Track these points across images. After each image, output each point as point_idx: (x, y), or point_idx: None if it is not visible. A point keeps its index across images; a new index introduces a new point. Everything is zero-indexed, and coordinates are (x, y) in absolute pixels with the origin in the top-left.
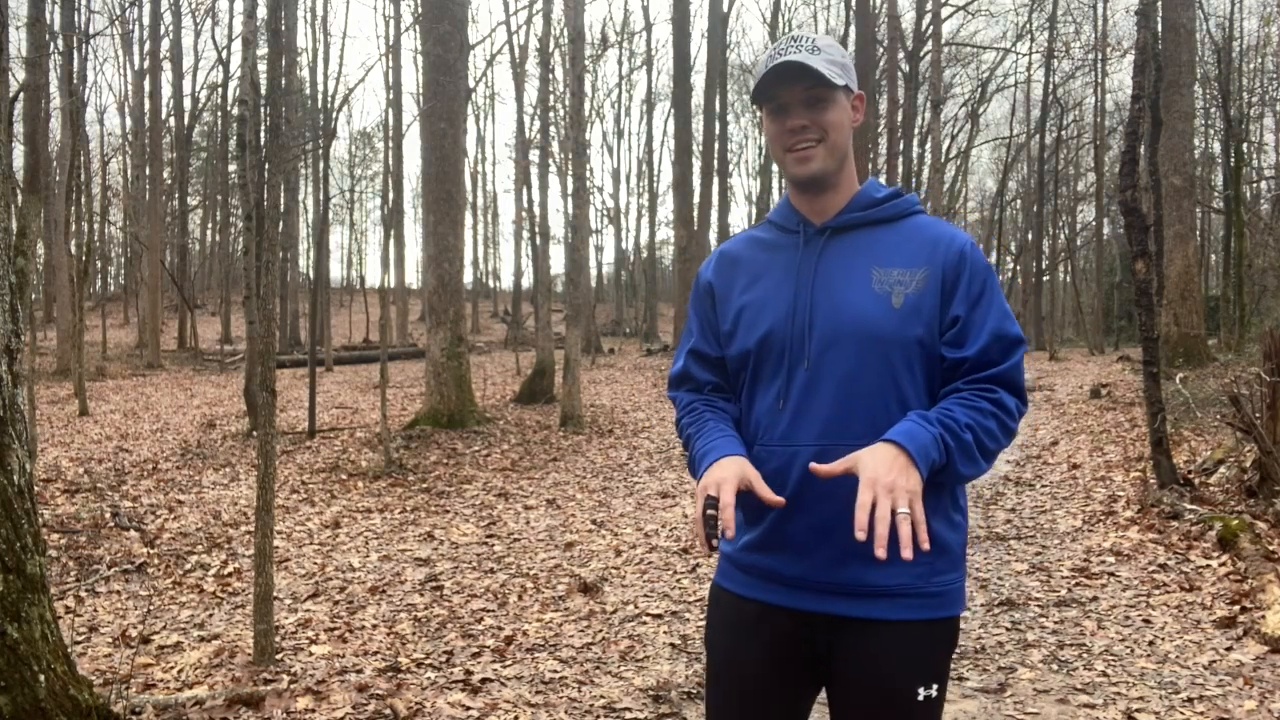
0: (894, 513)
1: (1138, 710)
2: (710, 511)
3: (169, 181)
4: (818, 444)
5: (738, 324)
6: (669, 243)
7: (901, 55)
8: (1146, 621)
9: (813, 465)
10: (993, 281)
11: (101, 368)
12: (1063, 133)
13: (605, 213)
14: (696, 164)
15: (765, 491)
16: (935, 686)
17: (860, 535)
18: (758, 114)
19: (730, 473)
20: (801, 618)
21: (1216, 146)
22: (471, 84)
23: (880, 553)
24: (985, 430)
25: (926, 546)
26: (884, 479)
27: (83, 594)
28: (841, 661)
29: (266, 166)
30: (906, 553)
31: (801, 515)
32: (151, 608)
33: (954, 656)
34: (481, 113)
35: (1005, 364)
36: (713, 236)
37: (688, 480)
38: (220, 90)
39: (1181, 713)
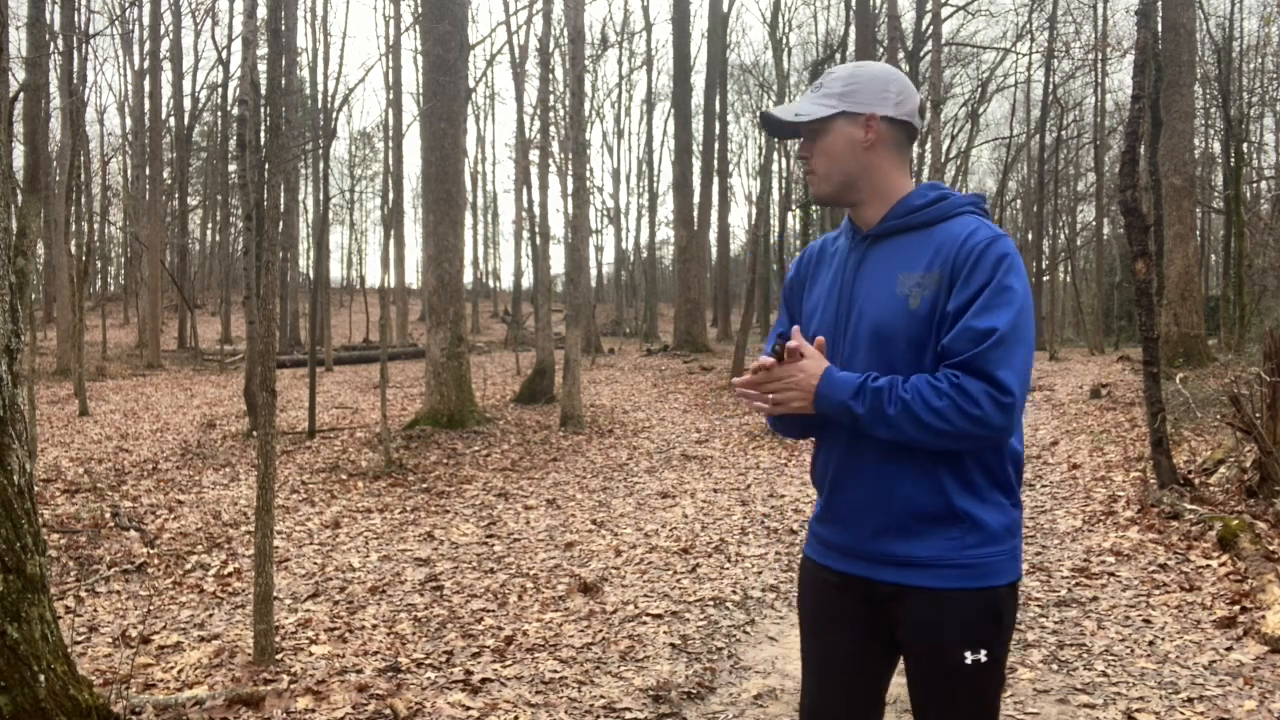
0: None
1: (1138, 710)
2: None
3: (169, 181)
4: (849, 434)
5: (808, 322)
6: (669, 243)
7: (901, 55)
8: (1146, 621)
9: (788, 344)
10: (1000, 276)
11: (101, 368)
12: (1063, 133)
13: (605, 213)
14: (696, 164)
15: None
16: (984, 652)
17: (735, 380)
18: (757, 113)
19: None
20: (860, 583)
21: (1216, 146)
22: (471, 84)
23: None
24: (928, 406)
25: (746, 407)
26: (795, 378)
27: (83, 594)
28: (900, 631)
29: (266, 166)
30: (741, 393)
31: (844, 493)
32: (151, 608)
33: None
34: (481, 113)
35: (969, 352)
36: (713, 236)
37: (688, 480)
38: (220, 90)
39: (1181, 713)
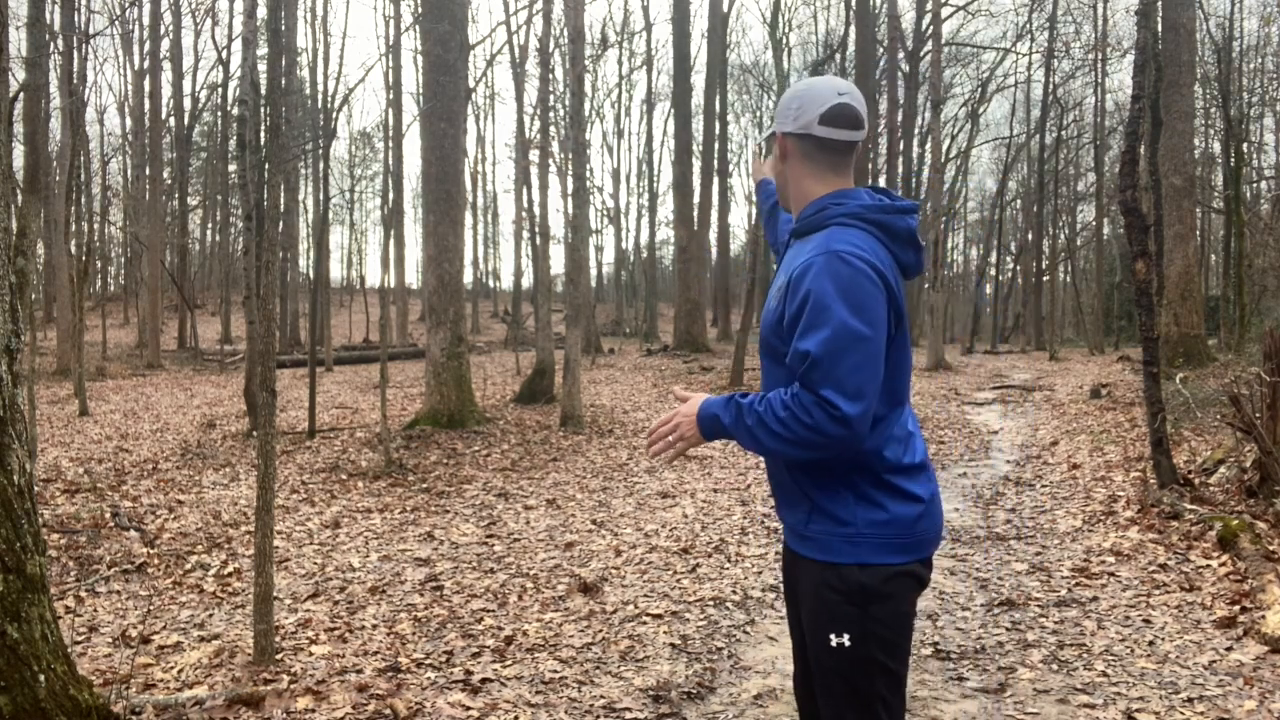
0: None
1: (1138, 710)
2: None
3: (169, 181)
4: None
5: None
6: (669, 243)
7: (901, 55)
8: (1146, 621)
9: (674, 389)
10: (816, 296)
11: (101, 368)
12: (1063, 133)
13: (605, 213)
14: (696, 164)
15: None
16: (847, 636)
17: (646, 437)
18: (757, 113)
19: None
20: (787, 549)
21: (1216, 146)
22: (471, 84)
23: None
24: (774, 416)
25: (660, 462)
26: (680, 416)
27: (83, 594)
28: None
29: (266, 166)
30: (652, 450)
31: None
32: (151, 608)
33: (947, 652)
34: (481, 113)
35: (799, 371)
36: (713, 236)
37: (688, 480)
38: (220, 90)
39: (1181, 713)
